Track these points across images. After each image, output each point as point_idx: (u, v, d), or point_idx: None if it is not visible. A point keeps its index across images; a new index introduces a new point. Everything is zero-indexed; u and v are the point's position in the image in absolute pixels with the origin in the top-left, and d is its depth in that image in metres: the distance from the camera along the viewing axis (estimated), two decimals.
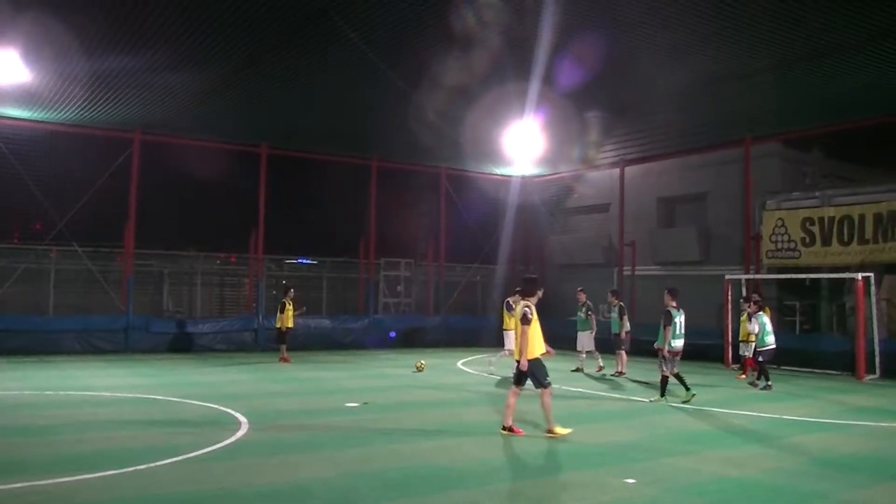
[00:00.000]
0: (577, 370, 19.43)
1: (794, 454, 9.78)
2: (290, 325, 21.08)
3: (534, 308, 10.66)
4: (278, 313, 21.18)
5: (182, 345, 23.27)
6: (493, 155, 26.79)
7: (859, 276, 19.00)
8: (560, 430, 10.47)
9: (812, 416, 13.01)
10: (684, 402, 13.80)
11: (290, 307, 21.01)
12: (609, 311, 20.52)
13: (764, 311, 17.08)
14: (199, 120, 22.33)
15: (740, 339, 18.58)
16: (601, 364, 19.40)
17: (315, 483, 7.82)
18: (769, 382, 16.41)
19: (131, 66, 17.24)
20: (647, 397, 14.77)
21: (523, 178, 30.79)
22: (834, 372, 19.53)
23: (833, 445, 10.41)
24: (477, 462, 8.94)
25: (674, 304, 14.01)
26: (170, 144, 23.99)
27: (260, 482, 7.81)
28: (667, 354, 13.97)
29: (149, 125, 22.59)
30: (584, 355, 19.73)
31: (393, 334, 27.21)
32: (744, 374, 18.35)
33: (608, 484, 7.98)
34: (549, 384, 10.55)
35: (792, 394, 15.92)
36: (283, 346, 21.06)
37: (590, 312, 19.81)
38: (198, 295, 26.53)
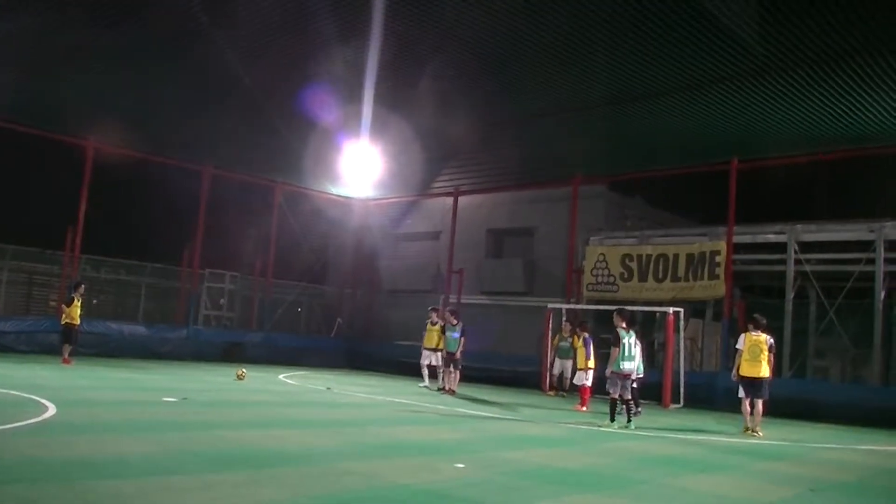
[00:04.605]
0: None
1: (615, 454, 10.21)
2: (77, 322, 19.76)
3: None
4: (64, 307, 19.71)
5: None
6: (330, 174, 26.72)
7: (671, 310, 20.17)
8: None
9: (626, 429, 13.57)
10: (621, 428, 13.15)
11: (79, 303, 19.76)
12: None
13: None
14: (17, 105, 20.96)
15: (579, 367, 18.11)
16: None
17: (135, 456, 7.40)
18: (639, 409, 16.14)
19: None
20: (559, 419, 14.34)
21: (358, 200, 30.80)
22: (642, 401, 20.43)
23: (647, 449, 10.93)
24: (305, 448, 8.77)
25: (623, 325, 13.41)
26: None
27: (74, 454, 7.30)
28: (611, 376, 13.32)
29: None
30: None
31: None
32: (583, 405, 17.36)
33: (439, 467, 8.02)
34: None
35: (604, 413, 16.45)
36: (68, 346, 19.56)
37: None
38: (2, 292, 24.59)
